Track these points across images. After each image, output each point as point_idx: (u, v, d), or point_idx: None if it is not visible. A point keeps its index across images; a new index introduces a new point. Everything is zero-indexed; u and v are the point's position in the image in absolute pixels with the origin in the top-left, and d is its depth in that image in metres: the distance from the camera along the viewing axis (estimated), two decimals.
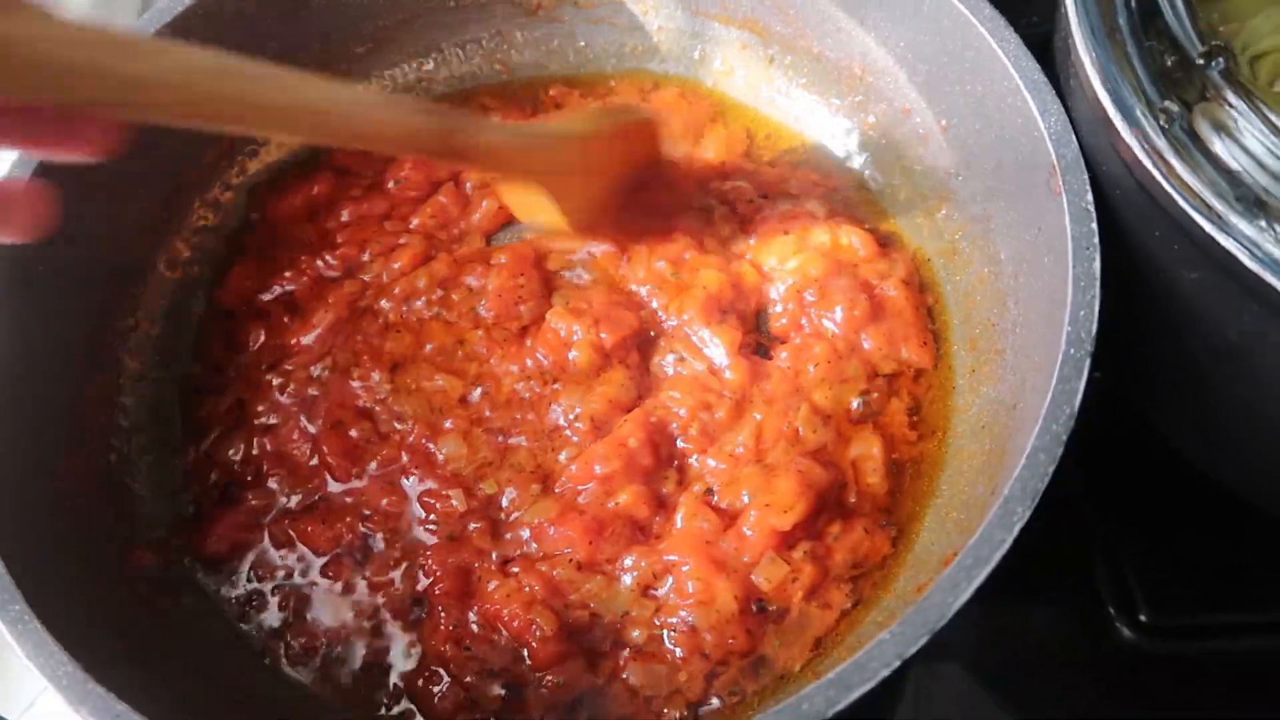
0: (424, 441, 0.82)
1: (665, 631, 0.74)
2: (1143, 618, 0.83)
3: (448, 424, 0.83)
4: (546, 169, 0.78)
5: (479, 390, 0.85)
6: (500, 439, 0.83)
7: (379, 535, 0.80)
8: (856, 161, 0.96)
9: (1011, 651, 0.86)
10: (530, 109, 1.01)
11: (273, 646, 0.77)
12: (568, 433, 0.82)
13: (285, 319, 0.89)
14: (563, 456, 0.81)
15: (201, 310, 0.92)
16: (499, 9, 1.01)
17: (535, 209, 0.81)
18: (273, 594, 0.79)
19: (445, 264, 0.90)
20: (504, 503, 0.80)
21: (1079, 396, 0.63)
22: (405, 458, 0.82)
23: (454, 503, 0.80)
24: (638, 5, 1.00)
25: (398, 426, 0.83)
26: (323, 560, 0.79)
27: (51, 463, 0.76)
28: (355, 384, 0.85)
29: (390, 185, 0.96)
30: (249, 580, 0.79)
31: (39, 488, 0.73)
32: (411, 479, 0.81)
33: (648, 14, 1.00)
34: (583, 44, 1.03)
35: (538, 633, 0.73)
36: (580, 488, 0.79)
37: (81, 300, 0.83)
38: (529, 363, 0.85)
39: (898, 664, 0.56)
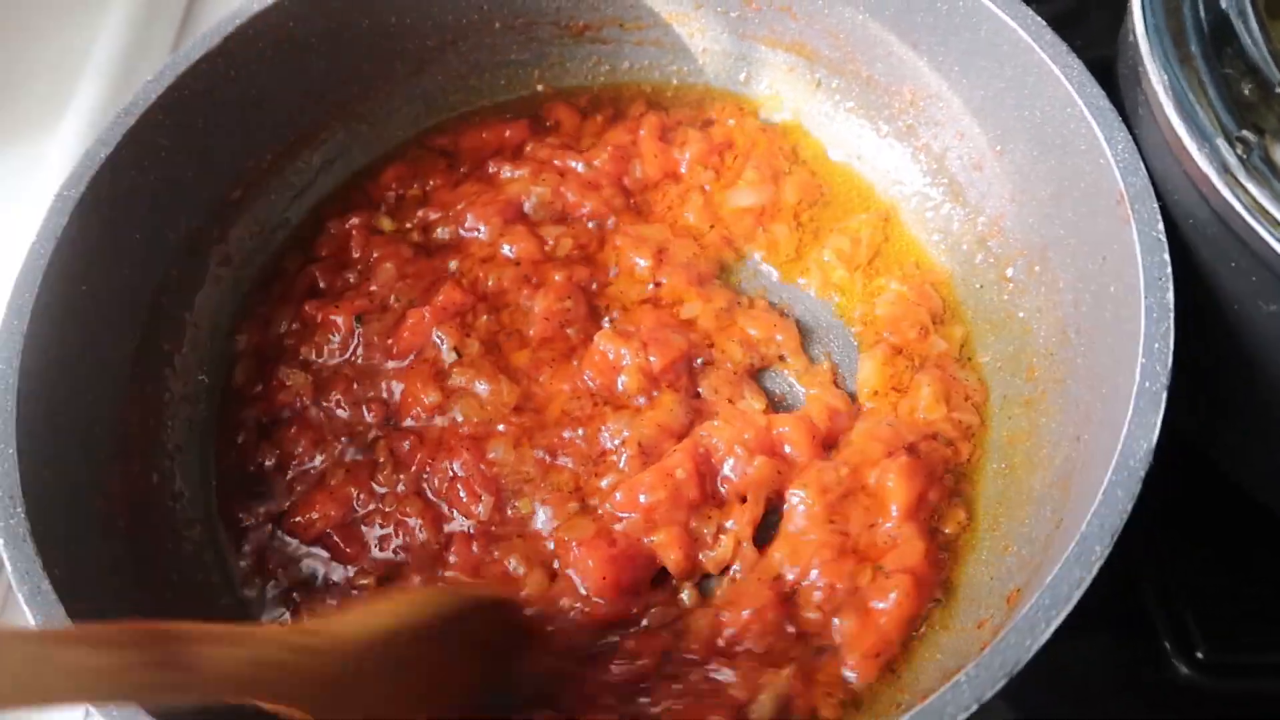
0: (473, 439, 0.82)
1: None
2: (1200, 655, 0.81)
3: (500, 428, 0.83)
4: (323, 692, 0.54)
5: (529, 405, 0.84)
6: (546, 457, 0.82)
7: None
8: (904, 188, 0.94)
9: (1063, 688, 0.84)
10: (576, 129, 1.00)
11: None
12: (614, 458, 0.81)
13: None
14: (605, 482, 0.80)
15: (245, 330, 0.91)
16: (543, 30, 1.00)
17: None
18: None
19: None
20: (537, 525, 0.79)
21: (1156, 432, 0.61)
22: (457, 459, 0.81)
23: (478, 508, 0.79)
24: (684, 27, 0.99)
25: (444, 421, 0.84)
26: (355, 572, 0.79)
27: (99, 483, 0.75)
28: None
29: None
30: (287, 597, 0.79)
31: (86, 509, 0.73)
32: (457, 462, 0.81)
33: (694, 36, 1.00)
34: (626, 65, 1.02)
35: None
36: (621, 514, 0.78)
37: (125, 319, 0.82)
38: (578, 383, 0.85)
39: (975, 708, 0.54)
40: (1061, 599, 0.56)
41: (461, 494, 0.80)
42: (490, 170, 0.97)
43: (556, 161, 0.96)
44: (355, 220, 0.95)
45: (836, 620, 0.73)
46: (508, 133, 0.99)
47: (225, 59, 0.85)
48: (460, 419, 0.83)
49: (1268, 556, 0.84)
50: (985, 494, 0.80)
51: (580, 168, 0.96)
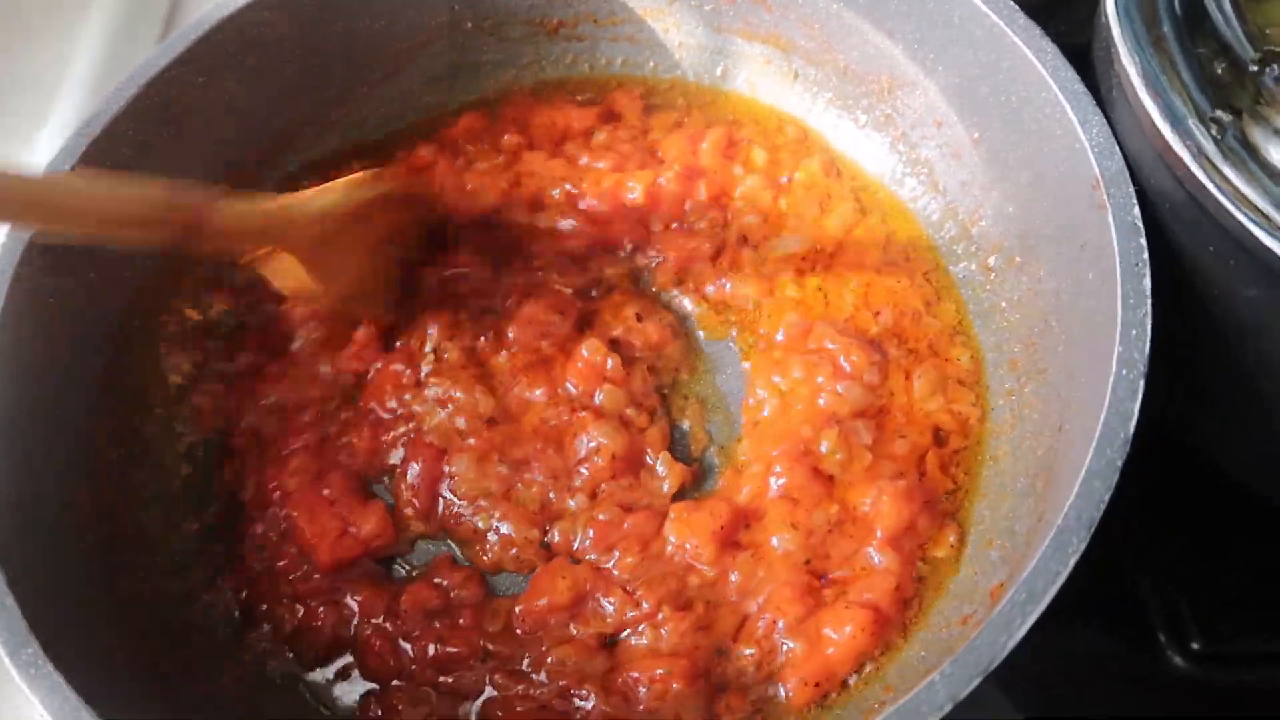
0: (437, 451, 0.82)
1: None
2: (1195, 645, 0.80)
3: (471, 441, 0.82)
4: (301, 243, 0.76)
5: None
6: (510, 472, 0.81)
7: None
8: (885, 177, 0.93)
9: (1056, 680, 0.83)
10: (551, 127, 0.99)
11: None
12: (584, 469, 0.80)
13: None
14: (573, 503, 0.79)
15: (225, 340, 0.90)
16: (516, 29, 0.99)
17: (286, 274, 0.78)
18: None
19: None
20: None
21: (1134, 420, 0.60)
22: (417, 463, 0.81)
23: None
24: (659, 22, 0.98)
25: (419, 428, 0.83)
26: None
27: (69, 497, 0.74)
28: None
29: None
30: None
31: (55, 522, 0.72)
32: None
33: (669, 31, 0.98)
34: (603, 61, 1.01)
35: None
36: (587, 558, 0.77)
37: (97, 331, 0.81)
38: (557, 391, 0.84)
39: (949, 707, 0.53)
40: (1038, 594, 0.55)
41: (405, 494, 0.80)
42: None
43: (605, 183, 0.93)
44: None
45: (784, 643, 0.72)
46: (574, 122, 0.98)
47: (193, 66, 0.84)
48: (427, 429, 0.82)
49: (1262, 547, 0.83)
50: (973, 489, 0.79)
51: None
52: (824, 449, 0.78)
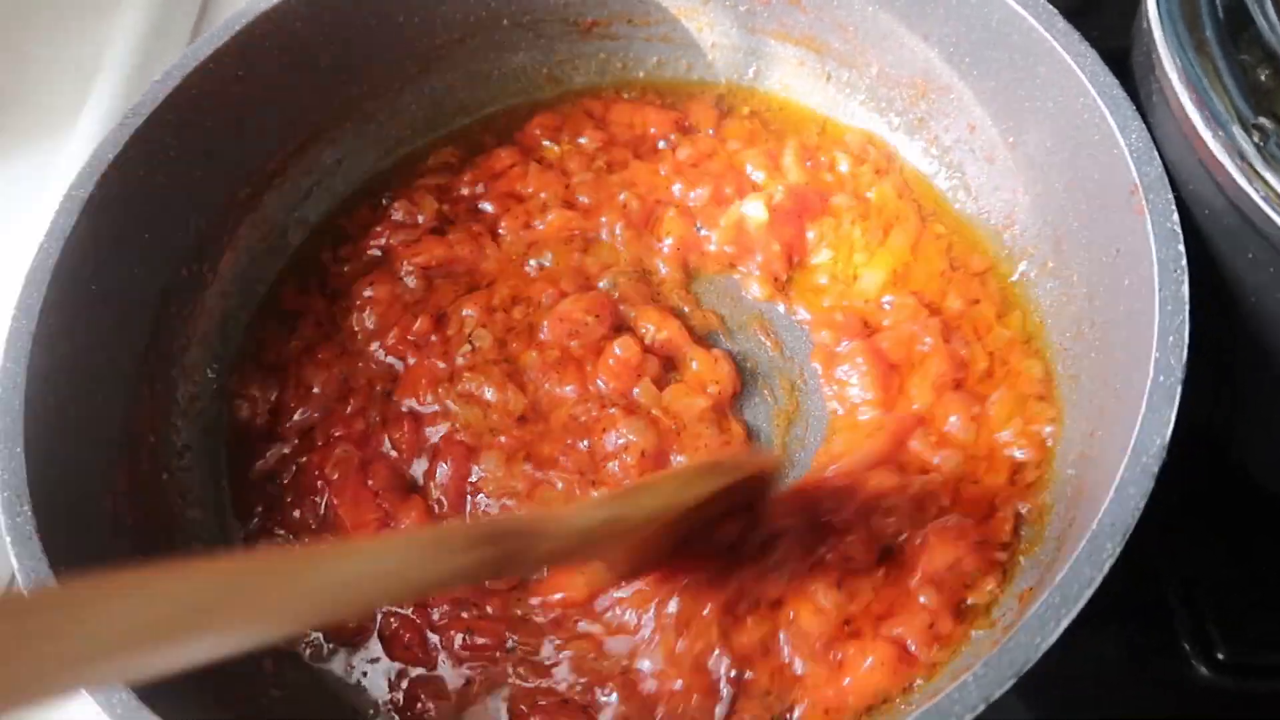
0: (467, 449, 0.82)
1: None
2: (1220, 655, 0.79)
3: (502, 439, 0.82)
4: (612, 550, 0.68)
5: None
6: (538, 473, 0.81)
7: None
8: (906, 161, 0.93)
9: (1080, 687, 0.82)
10: (582, 124, 0.99)
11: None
12: (613, 465, 0.80)
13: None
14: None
15: (253, 330, 0.91)
16: (552, 27, 0.99)
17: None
18: None
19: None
20: None
21: (1170, 427, 0.60)
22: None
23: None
24: (692, 22, 0.98)
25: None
26: None
27: (107, 482, 0.75)
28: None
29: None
30: None
31: (94, 507, 0.73)
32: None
33: (702, 31, 0.99)
34: (635, 60, 1.01)
35: None
36: None
37: (133, 319, 0.82)
38: (589, 387, 0.84)
39: (982, 707, 0.53)
40: (1072, 598, 0.55)
41: (434, 492, 0.81)
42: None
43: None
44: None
45: (799, 661, 0.71)
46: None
47: (232, 59, 0.85)
48: (459, 426, 0.83)
49: None
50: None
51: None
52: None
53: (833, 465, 0.78)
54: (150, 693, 0.59)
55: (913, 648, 0.69)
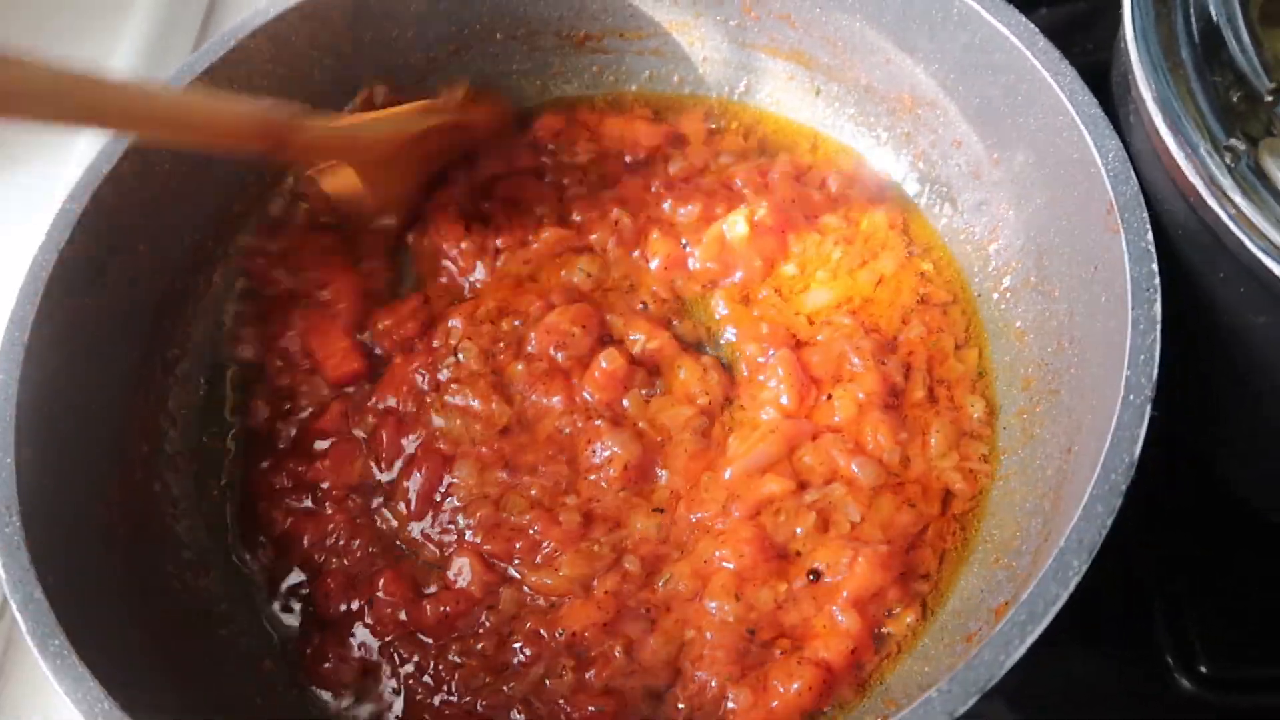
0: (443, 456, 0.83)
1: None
2: (1203, 669, 0.80)
3: (482, 450, 0.83)
4: (366, 159, 0.88)
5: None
6: (509, 478, 0.82)
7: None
8: (904, 193, 0.94)
9: (1064, 701, 0.83)
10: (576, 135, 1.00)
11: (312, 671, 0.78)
12: (594, 477, 0.81)
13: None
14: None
15: (247, 343, 0.92)
16: (545, 40, 1.01)
17: (342, 184, 0.89)
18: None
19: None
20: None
21: (1139, 445, 0.60)
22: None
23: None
24: (684, 36, 0.99)
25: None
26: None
27: (99, 492, 0.76)
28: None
29: None
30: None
31: (86, 516, 0.74)
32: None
33: (694, 45, 1.00)
34: (627, 74, 1.02)
35: None
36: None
37: (127, 331, 0.83)
38: (576, 399, 0.85)
39: None
40: (1038, 615, 0.56)
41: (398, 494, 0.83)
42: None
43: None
44: None
45: (730, 692, 0.72)
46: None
47: (228, 71, 0.87)
48: (439, 435, 0.84)
49: (1272, 570, 0.83)
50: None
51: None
52: (799, 532, 0.78)
53: (728, 467, 0.80)
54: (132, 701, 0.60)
55: (836, 668, 0.72)
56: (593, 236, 0.93)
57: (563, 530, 0.78)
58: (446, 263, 0.94)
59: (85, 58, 1.18)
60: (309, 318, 0.90)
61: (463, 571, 0.78)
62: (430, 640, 0.77)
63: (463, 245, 0.93)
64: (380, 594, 0.78)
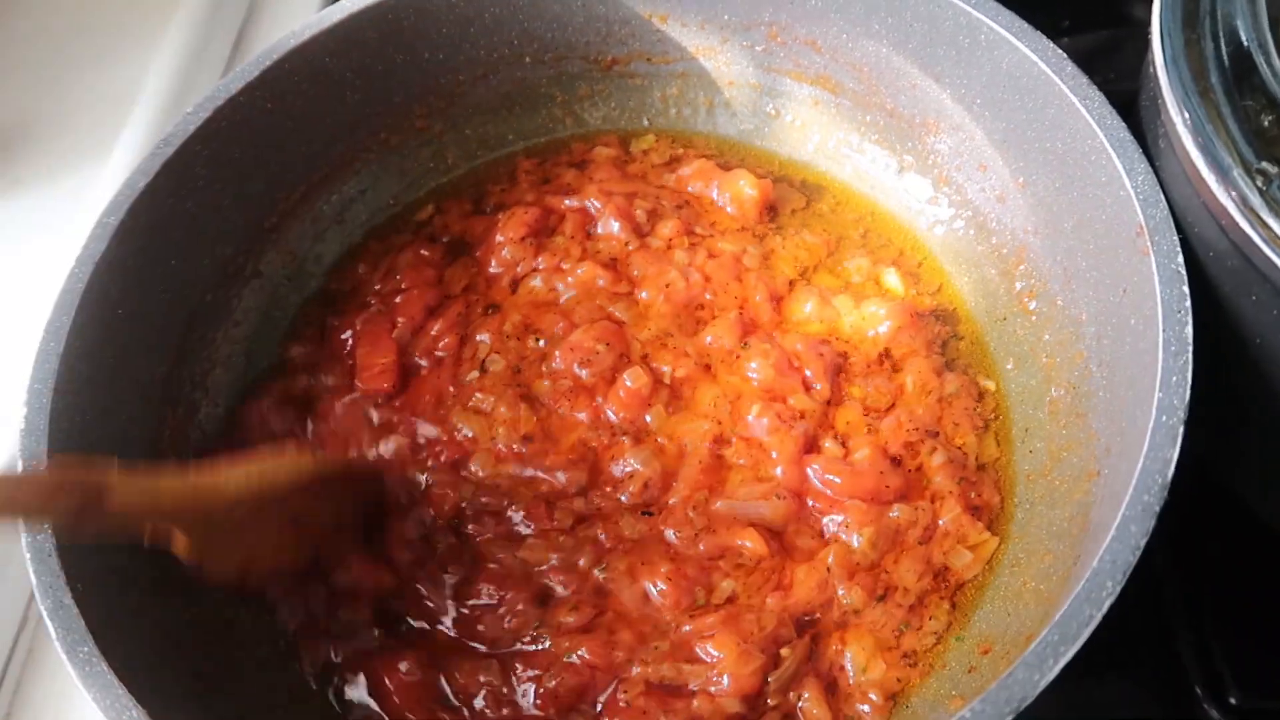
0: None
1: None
2: (1232, 700, 0.79)
3: (500, 448, 0.84)
4: (194, 526, 0.68)
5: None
6: (524, 472, 0.83)
7: None
8: (928, 219, 0.94)
9: None
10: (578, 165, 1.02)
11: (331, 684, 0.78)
12: (610, 489, 0.82)
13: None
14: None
15: (276, 354, 0.94)
16: (573, 65, 1.02)
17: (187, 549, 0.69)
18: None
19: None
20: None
21: (1172, 467, 0.60)
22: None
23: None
24: (710, 61, 1.00)
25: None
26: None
27: None
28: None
29: None
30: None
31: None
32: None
33: (720, 70, 1.01)
34: (657, 97, 1.03)
35: None
36: None
37: (158, 343, 0.84)
38: (601, 416, 0.85)
39: None
40: (1070, 636, 0.55)
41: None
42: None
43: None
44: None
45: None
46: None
47: (262, 92, 0.88)
48: (469, 435, 0.85)
49: None
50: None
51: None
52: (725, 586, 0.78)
53: (720, 500, 0.81)
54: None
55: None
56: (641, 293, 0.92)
57: (551, 524, 0.80)
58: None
59: (117, 82, 1.23)
60: (370, 321, 0.92)
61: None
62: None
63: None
64: None
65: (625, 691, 0.73)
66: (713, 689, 0.73)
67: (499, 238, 0.95)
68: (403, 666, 0.76)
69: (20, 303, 1.01)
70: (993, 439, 0.84)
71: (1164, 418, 0.62)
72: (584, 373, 0.86)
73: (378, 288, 0.94)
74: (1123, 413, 0.69)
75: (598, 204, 0.96)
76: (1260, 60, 0.64)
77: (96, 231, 0.78)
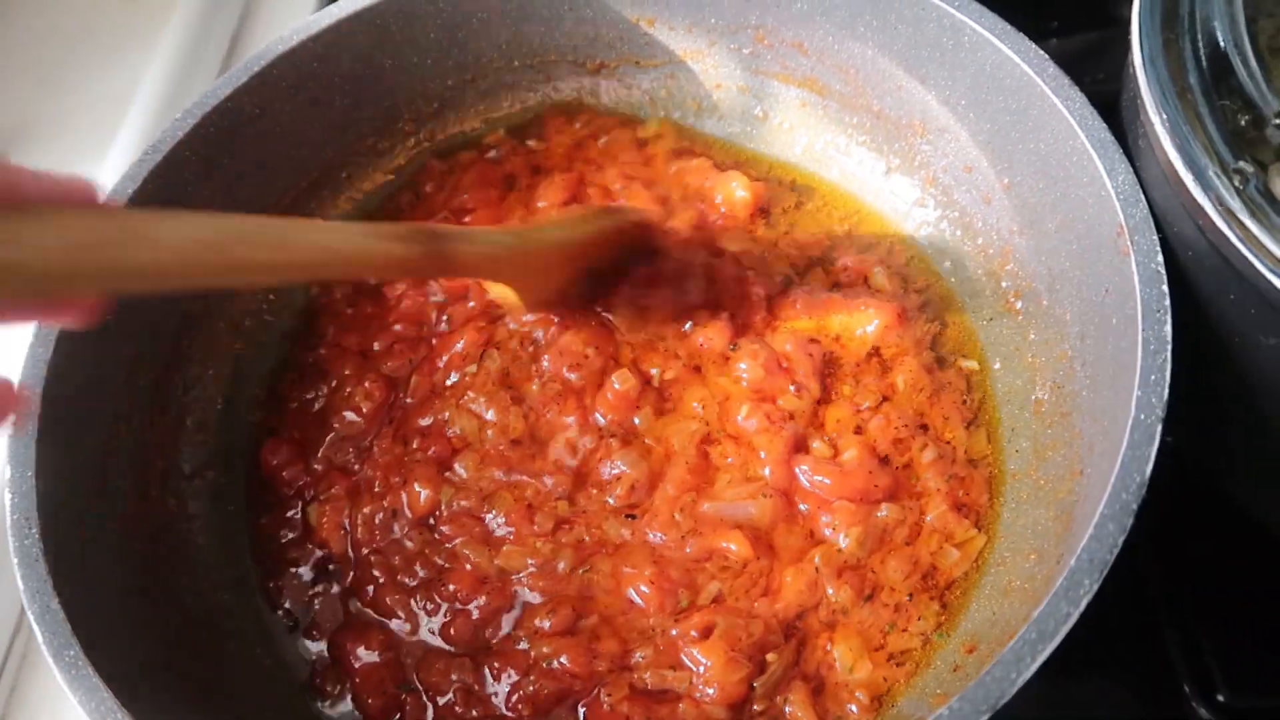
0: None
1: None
2: (1221, 698, 0.79)
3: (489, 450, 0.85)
4: (520, 273, 0.81)
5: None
6: (505, 476, 0.83)
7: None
8: (915, 219, 0.95)
9: None
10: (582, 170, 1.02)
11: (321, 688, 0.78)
12: (596, 491, 0.82)
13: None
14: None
15: (268, 361, 0.94)
16: (560, 68, 1.02)
17: (499, 290, 0.84)
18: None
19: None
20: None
21: (1150, 464, 0.60)
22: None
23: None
24: (698, 64, 1.01)
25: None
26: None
27: (116, 507, 0.77)
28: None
29: None
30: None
31: (102, 531, 0.75)
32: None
33: (708, 73, 1.01)
34: (646, 101, 1.04)
35: None
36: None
37: (148, 348, 0.85)
38: (589, 419, 0.85)
39: None
40: (1048, 634, 0.56)
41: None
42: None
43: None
44: None
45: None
46: None
47: (250, 97, 0.88)
48: (458, 432, 0.86)
49: None
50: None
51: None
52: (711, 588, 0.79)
53: (707, 502, 0.81)
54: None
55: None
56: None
57: (531, 528, 0.81)
58: None
59: (112, 87, 1.24)
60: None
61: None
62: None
63: None
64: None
65: (610, 695, 0.73)
66: (698, 695, 0.73)
67: (541, 203, 0.96)
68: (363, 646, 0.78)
69: None
70: (983, 434, 0.84)
71: (1142, 415, 0.62)
72: (573, 376, 0.86)
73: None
74: (1104, 412, 0.70)
75: (618, 185, 0.98)
76: (1237, 61, 0.64)
77: None
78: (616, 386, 0.85)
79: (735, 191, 0.96)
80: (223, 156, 0.88)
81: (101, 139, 1.19)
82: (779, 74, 0.99)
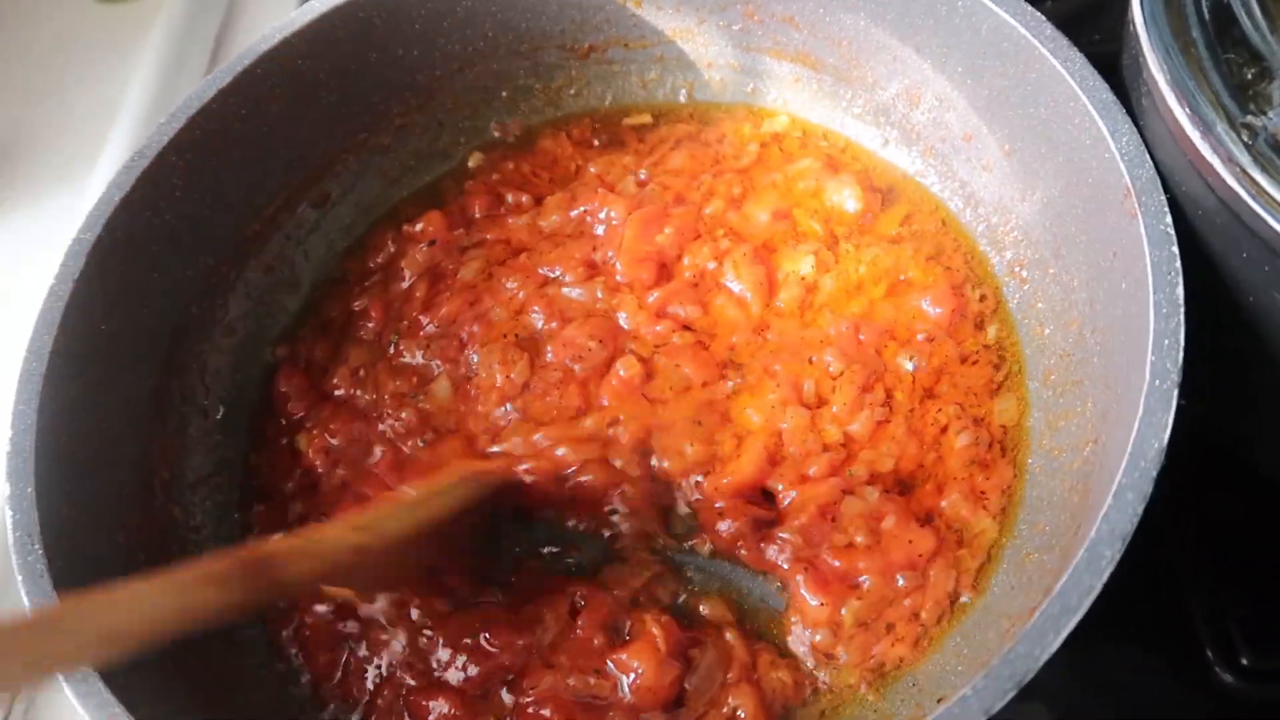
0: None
1: None
2: (1244, 661, 0.78)
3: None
4: (367, 570, 0.71)
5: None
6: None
7: None
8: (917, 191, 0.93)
9: (1100, 697, 0.81)
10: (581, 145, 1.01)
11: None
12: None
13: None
14: None
15: (264, 367, 0.93)
16: (549, 54, 1.01)
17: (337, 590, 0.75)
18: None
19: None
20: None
21: (1168, 431, 0.59)
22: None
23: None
24: (688, 44, 0.99)
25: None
26: None
27: (120, 519, 0.76)
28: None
29: None
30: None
31: (107, 543, 0.74)
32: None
33: (699, 51, 1.00)
34: (635, 82, 1.02)
35: None
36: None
37: (144, 358, 0.84)
38: (593, 404, 0.85)
39: None
40: (1071, 607, 0.55)
41: None
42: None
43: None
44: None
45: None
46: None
47: (236, 99, 0.87)
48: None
49: None
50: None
51: None
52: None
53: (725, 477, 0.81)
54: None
55: None
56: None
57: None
58: None
59: (99, 97, 1.22)
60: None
61: None
62: None
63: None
64: None
65: (537, 706, 0.72)
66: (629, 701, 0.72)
67: (591, 169, 0.97)
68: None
69: (8, 324, 1.01)
70: (1013, 400, 0.82)
71: (1158, 381, 0.61)
72: (576, 367, 0.86)
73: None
74: (1118, 378, 0.68)
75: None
76: (1240, 12, 0.62)
77: (73, 249, 0.78)
78: (622, 374, 0.84)
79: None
80: (210, 159, 0.87)
81: (91, 147, 1.18)
82: (771, 50, 0.97)
